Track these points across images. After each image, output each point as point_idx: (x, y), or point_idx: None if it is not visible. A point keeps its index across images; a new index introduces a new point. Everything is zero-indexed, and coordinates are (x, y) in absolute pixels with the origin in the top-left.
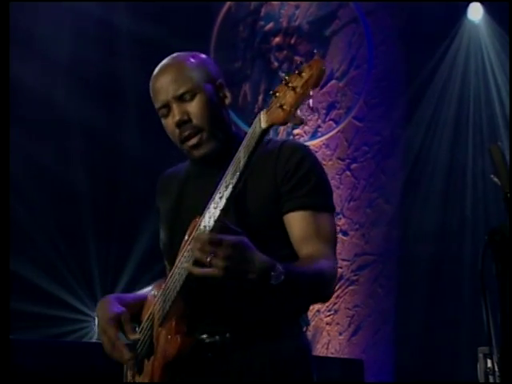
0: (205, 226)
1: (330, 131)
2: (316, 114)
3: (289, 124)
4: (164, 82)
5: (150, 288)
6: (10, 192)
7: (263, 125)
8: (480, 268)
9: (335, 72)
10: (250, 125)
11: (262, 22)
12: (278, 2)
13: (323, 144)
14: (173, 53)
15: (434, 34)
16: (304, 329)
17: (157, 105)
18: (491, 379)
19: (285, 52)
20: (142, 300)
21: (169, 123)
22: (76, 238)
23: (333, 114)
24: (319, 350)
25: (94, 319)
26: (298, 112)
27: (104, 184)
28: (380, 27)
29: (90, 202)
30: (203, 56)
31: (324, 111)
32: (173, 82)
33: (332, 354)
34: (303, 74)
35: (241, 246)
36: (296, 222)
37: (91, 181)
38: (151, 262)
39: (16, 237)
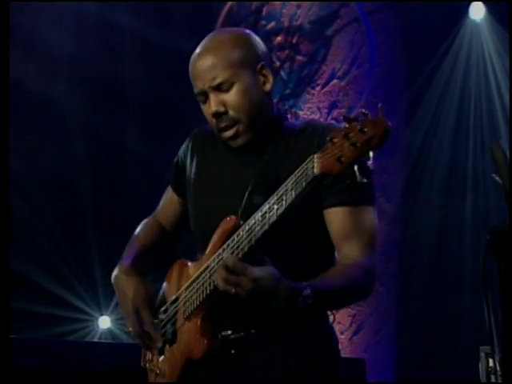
0: (233, 248)
1: None
2: (318, 113)
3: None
4: (201, 67)
5: (145, 237)
6: (11, 192)
7: (316, 171)
8: (481, 267)
9: (337, 71)
10: None
11: (263, 22)
12: (280, 2)
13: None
14: (174, 53)
15: (436, 33)
16: (331, 320)
17: (195, 90)
18: (493, 379)
19: (286, 51)
20: (150, 262)
21: (206, 111)
22: (78, 237)
23: (334, 113)
24: None
25: (97, 318)
26: (355, 168)
27: (106, 184)
28: (381, 27)
29: (91, 201)
30: (246, 35)
31: (326, 110)
32: (210, 69)
33: None
34: (366, 131)
35: (265, 280)
36: (335, 219)
37: (93, 180)
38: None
39: (17, 236)
